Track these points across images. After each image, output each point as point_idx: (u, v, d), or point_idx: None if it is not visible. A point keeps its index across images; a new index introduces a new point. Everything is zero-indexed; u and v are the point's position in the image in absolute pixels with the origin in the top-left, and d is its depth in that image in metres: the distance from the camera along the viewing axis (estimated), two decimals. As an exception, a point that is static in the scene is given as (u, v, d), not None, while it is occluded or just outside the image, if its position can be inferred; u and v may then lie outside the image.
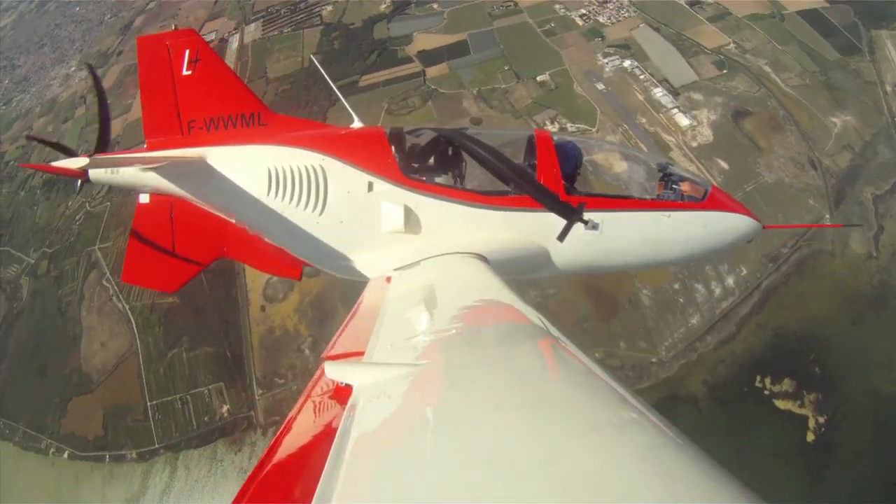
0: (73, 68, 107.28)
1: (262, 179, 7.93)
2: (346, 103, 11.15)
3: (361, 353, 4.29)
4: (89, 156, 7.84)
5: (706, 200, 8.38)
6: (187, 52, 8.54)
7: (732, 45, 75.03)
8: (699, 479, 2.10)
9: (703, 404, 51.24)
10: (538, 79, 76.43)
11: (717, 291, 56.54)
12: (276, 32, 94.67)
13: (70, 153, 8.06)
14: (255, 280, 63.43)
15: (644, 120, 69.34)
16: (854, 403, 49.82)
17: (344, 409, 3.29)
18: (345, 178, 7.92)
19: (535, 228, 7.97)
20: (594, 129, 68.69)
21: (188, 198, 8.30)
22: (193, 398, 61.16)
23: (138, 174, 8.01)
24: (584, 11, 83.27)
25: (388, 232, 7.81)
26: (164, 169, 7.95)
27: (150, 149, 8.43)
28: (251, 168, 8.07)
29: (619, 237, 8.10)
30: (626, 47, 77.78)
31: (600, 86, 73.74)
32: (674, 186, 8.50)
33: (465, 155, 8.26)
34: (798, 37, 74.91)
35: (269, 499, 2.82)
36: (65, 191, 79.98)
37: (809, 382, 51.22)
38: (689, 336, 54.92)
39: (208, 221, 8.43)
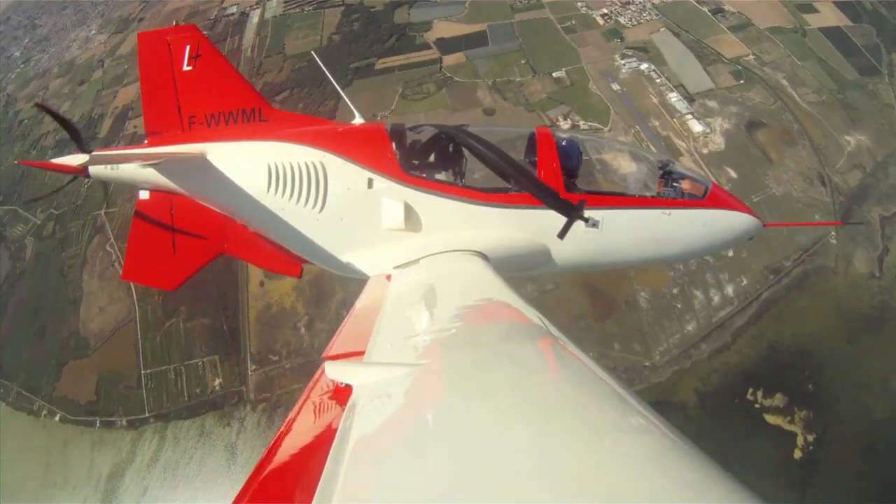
0: (93, 31, 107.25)
1: (263, 176, 8.00)
2: (347, 100, 11.27)
3: (361, 353, 4.32)
4: (89, 152, 7.74)
5: (707, 198, 8.43)
6: (188, 47, 8.66)
7: (752, 56, 74.47)
8: (704, 482, 2.09)
9: (692, 412, 51.08)
10: (554, 75, 76.15)
11: (716, 300, 56.26)
12: (296, 10, 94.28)
13: (73, 130, 7.92)
14: (256, 256, 63.36)
15: (657, 123, 68.96)
16: (844, 424, 49.56)
17: (344, 409, 3.32)
18: (345, 174, 7.99)
19: (535, 226, 8.06)
20: (606, 129, 68.40)
21: (188, 194, 8.36)
22: (187, 369, 61.27)
23: (138, 170, 8.08)
24: (605, 11, 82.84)
25: (389, 229, 7.87)
26: (164, 165, 8.03)
27: (151, 144, 8.56)
28: (251, 164, 8.13)
29: (619, 235, 8.17)
30: (645, 50, 77.41)
31: (616, 86, 73.42)
32: (674, 184, 8.55)
33: (465, 152, 8.31)
34: (818, 53, 74.40)
35: (270, 499, 2.85)
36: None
37: (801, 399, 50.95)
38: (684, 342, 54.64)
39: (208, 218, 8.50)
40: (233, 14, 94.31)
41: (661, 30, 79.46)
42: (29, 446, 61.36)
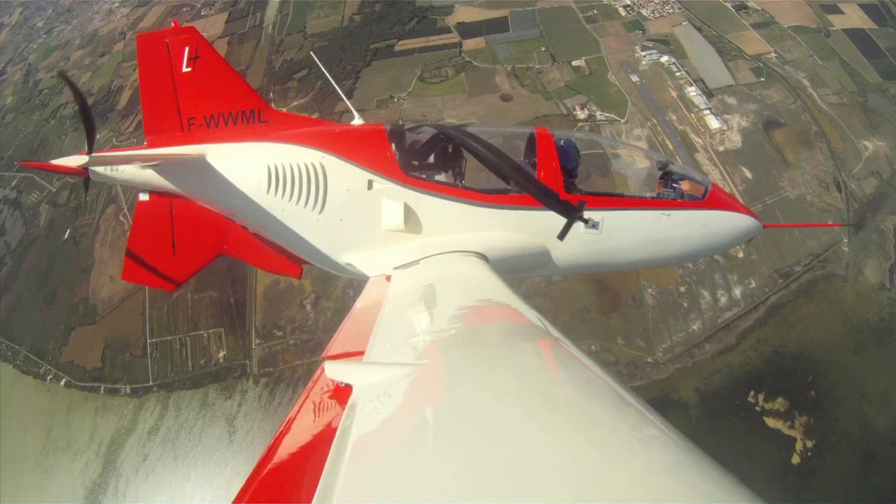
0: (116, 4, 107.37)
1: (262, 177, 8.00)
2: (347, 102, 11.27)
3: (361, 353, 4.30)
4: (89, 153, 7.76)
5: (706, 199, 8.49)
6: (187, 49, 8.66)
7: (773, 54, 73.43)
8: (705, 482, 2.10)
9: (692, 412, 50.97)
10: (573, 63, 75.61)
11: (723, 300, 55.93)
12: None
13: (86, 110, 7.86)
14: (268, 231, 63.89)
15: (674, 117, 68.27)
16: (844, 432, 49.35)
17: (344, 408, 3.33)
18: (345, 175, 7.99)
19: (535, 227, 8.08)
20: (623, 120, 67.97)
21: (188, 195, 8.40)
22: (192, 340, 62.01)
23: (138, 172, 8.12)
24: (628, 2, 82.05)
25: (388, 230, 7.89)
26: (164, 166, 8.09)
27: (151, 146, 8.58)
28: (251, 165, 8.13)
29: (619, 236, 8.20)
30: (666, 43, 76.56)
31: (635, 77, 72.74)
32: (674, 185, 8.61)
33: (465, 153, 8.29)
34: (841, 54, 73.21)
35: (269, 499, 2.83)
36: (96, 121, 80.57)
37: (803, 405, 50.68)
38: (688, 341, 54.43)
39: (208, 219, 8.56)
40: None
41: (684, 23, 78.51)
42: (33, 410, 62.53)
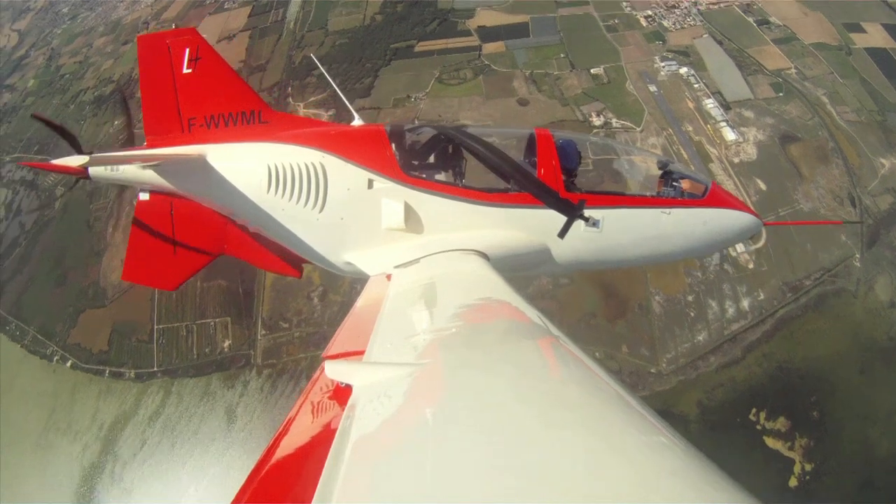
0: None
1: (263, 177, 8.03)
2: (347, 102, 11.30)
3: (361, 352, 4.29)
4: (89, 153, 7.89)
5: (706, 197, 8.49)
6: (187, 50, 8.77)
7: (794, 70, 73.12)
8: (706, 483, 2.09)
9: (692, 426, 50.46)
10: (592, 71, 75.85)
11: (730, 312, 55.64)
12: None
13: (69, 136, 8.06)
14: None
15: (690, 128, 68.25)
16: (844, 456, 48.77)
17: (343, 409, 3.31)
18: (345, 175, 8.02)
19: (535, 225, 8.09)
20: (639, 129, 68.12)
21: (188, 195, 8.44)
22: (199, 328, 62.49)
23: (138, 172, 8.17)
24: (650, 13, 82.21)
25: (388, 229, 7.92)
26: (164, 167, 8.14)
27: (151, 146, 8.62)
28: (251, 165, 8.16)
29: (619, 234, 8.23)
30: (686, 54, 76.62)
31: (653, 87, 72.81)
32: (674, 183, 8.61)
33: (465, 152, 8.32)
34: (862, 73, 72.72)
35: (269, 499, 2.84)
36: (112, 110, 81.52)
37: (804, 426, 50.25)
38: (693, 352, 54.16)
39: (208, 219, 8.62)
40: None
41: (705, 36, 78.46)
42: (37, 389, 63.14)
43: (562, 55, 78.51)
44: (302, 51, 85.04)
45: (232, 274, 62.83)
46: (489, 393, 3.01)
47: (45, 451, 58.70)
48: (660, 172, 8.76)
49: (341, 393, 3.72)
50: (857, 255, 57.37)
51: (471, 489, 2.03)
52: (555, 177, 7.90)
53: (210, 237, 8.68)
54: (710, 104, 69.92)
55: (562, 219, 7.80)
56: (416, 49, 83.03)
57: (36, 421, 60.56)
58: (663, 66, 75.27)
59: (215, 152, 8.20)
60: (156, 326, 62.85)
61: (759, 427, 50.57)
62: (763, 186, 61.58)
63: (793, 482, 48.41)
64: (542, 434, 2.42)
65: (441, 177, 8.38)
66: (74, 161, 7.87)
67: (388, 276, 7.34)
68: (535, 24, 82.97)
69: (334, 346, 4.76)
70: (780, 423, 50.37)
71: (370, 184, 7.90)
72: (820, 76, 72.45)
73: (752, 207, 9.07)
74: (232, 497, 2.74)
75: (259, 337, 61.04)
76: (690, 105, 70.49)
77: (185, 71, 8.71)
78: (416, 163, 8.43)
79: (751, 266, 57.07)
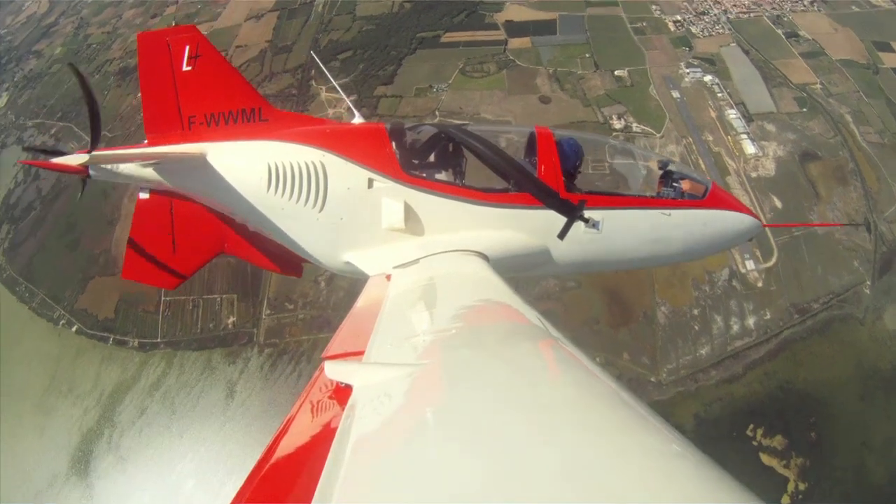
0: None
1: (263, 175, 7.94)
2: (347, 101, 11.24)
3: (361, 353, 4.26)
4: (89, 152, 7.66)
5: (707, 199, 8.50)
6: (187, 48, 8.58)
7: (819, 85, 72.17)
8: (707, 484, 2.09)
9: (687, 436, 48.14)
10: (616, 73, 75.58)
11: (735, 328, 55.27)
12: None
13: (95, 116, 7.87)
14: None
15: (710, 138, 67.70)
16: (839, 480, 48.54)
17: (343, 409, 3.30)
18: (345, 174, 7.93)
19: (535, 226, 8.03)
20: (659, 135, 67.59)
21: (188, 194, 8.37)
22: (205, 303, 63.08)
23: (138, 170, 8.07)
24: (679, 18, 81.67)
25: (388, 229, 7.85)
26: (164, 165, 8.05)
27: (151, 144, 8.49)
28: (251, 164, 8.08)
29: (619, 235, 8.18)
30: (712, 62, 76.01)
31: (676, 94, 72.29)
32: (674, 184, 8.59)
33: (465, 152, 8.25)
34: (888, 93, 71.63)
35: (269, 499, 2.84)
36: (136, 83, 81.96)
37: (801, 445, 49.91)
38: (694, 365, 53.93)
39: (208, 218, 8.55)
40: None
41: (732, 45, 77.77)
42: (41, 352, 64.02)
43: (587, 55, 78.19)
44: (328, 35, 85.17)
45: (242, 251, 63.32)
46: (489, 394, 3.02)
47: (44, 413, 59.55)
48: (660, 173, 8.73)
49: (341, 393, 3.74)
50: (868, 283, 56.68)
51: (470, 489, 2.04)
52: (555, 177, 7.88)
53: (210, 236, 8.64)
54: (732, 115, 69.27)
55: (562, 219, 7.80)
56: (443, 39, 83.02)
57: (38, 382, 61.53)
58: (688, 73, 74.69)
59: (215, 151, 8.15)
60: (163, 298, 63.25)
61: (755, 443, 50.32)
62: (778, 204, 60.87)
63: (785, 500, 48.27)
64: (542, 436, 2.41)
65: (441, 176, 8.30)
66: (74, 160, 7.74)
67: (388, 277, 7.32)
68: (562, 22, 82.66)
69: (334, 346, 4.71)
70: (777, 441, 50.10)
71: (370, 183, 7.85)
72: (845, 94, 71.46)
73: (750, 209, 8.99)
74: (231, 497, 2.76)
75: (264, 316, 61.65)
76: (712, 114, 69.86)
77: (185, 69, 8.55)
78: (416, 162, 8.31)
79: (759, 284, 56.60)
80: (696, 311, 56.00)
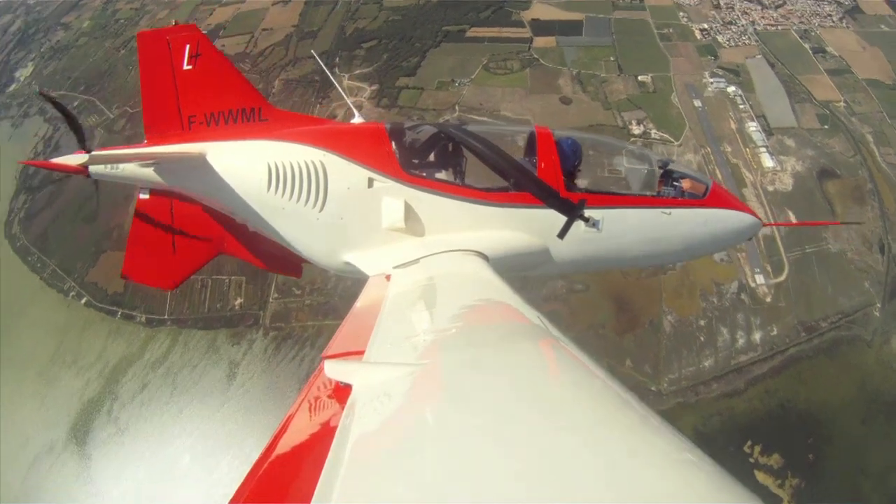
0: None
1: (263, 175, 7.91)
2: (347, 100, 11.20)
3: (361, 352, 4.21)
4: (88, 152, 7.73)
5: (707, 198, 8.47)
6: (188, 46, 8.57)
7: (843, 103, 71.42)
8: (708, 483, 2.08)
9: (685, 446, 49.75)
10: (639, 78, 75.33)
11: (740, 342, 54.85)
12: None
13: (77, 128, 7.99)
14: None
15: (729, 149, 67.24)
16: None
17: (343, 408, 3.30)
18: (345, 173, 7.89)
19: (535, 225, 8.01)
20: (677, 143, 67.21)
21: (188, 194, 8.36)
22: (213, 283, 63.69)
23: (138, 170, 8.06)
24: (705, 26, 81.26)
25: (389, 229, 7.81)
26: (164, 165, 8.05)
27: (151, 144, 8.48)
28: (251, 164, 8.05)
29: (619, 234, 8.18)
30: (736, 73, 75.42)
31: (697, 102, 71.88)
32: (674, 183, 8.56)
33: (465, 151, 8.23)
34: (912, 116, 70.57)
35: (268, 498, 2.84)
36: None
37: (798, 466, 49.37)
38: (697, 377, 53.55)
39: (208, 218, 8.54)
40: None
41: (757, 56, 77.11)
42: (49, 321, 64.95)
43: (611, 58, 78.02)
44: (354, 23, 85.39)
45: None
46: (489, 393, 3.03)
47: (47, 381, 60.50)
48: (660, 172, 8.66)
49: (341, 392, 3.71)
50: (878, 305, 55.93)
51: (470, 489, 2.04)
52: (555, 176, 7.84)
53: (209, 236, 8.60)
54: (752, 127, 68.76)
55: (562, 219, 7.76)
56: (468, 34, 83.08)
57: (43, 351, 62.44)
58: (711, 82, 74.23)
59: (215, 151, 8.10)
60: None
61: (751, 460, 49.89)
62: (794, 219, 60.11)
63: (778, 521, 47.67)
64: (542, 435, 2.42)
65: (441, 175, 8.26)
66: (74, 160, 7.76)
67: (388, 277, 7.27)
68: (588, 24, 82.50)
69: (334, 345, 4.64)
70: (774, 460, 49.63)
71: (370, 182, 7.80)
72: (868, 113, 70.57)
73: (751, 208, 8.96)
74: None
75: (271, 300, 62.18)
76: (733, 126, 69.38)
77: (186, 68, 8.54)
78: (416, 161, 8.31)
79: (768, 299, 56.12)
80: (702, 323, 55.62)
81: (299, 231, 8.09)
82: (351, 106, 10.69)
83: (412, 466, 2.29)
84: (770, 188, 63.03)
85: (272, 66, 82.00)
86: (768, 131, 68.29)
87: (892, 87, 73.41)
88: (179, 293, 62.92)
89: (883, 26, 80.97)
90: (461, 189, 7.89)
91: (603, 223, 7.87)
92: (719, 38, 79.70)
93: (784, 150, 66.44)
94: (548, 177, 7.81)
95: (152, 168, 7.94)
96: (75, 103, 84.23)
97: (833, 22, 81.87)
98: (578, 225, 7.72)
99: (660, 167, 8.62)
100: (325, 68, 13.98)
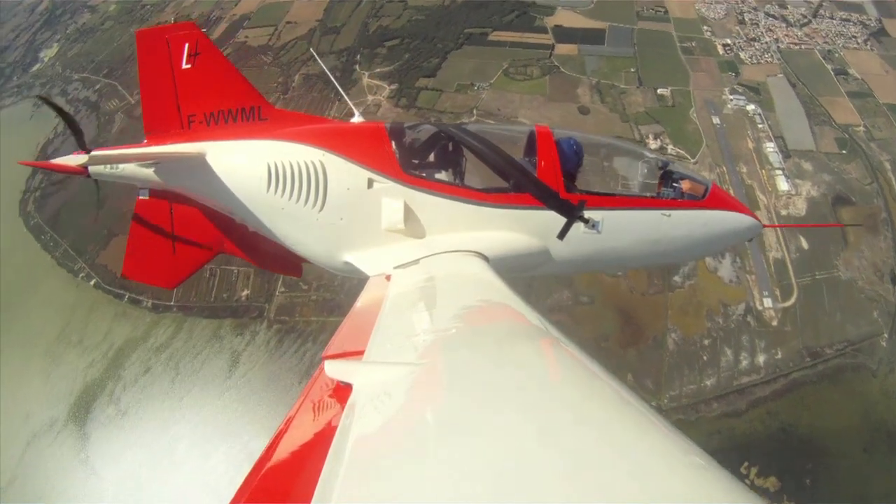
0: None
1: (262, 175, 7.95)
2: (347, 99, 11.25)
3: (361, 352, 4.25)
4: (88, 152, 7.80)
5: (706, 199, 8.45)
6: (187, 45, 8.60)
7: (862, 128, 70.36)
8: (709, 483, 2.10)
9: (679, 463, 49.36)
10: (659, 91, 74.86)
11: (744, 363, 54.33)
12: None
13: (75, 128, 8.05)
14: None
15: (745, 170, 66.56)
16: (828, 532, 47.37)
17: (343, 408, 3.31)
18: (345, 174, 7.92)
19: (535, 226, 8.03)
20: (693, 160, 66.31)
21: (187, 194, 8.42)
22: (222, 273, 63.91)
23: (138, 170, 8.14)
24: (728, 42, 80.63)
25: (388, 229, 7.83)
26: (163, 165, 8.12)
27: (150, 144, 8.54)
28: (251, 163, 8.08)
29: (619, 235, 8.17)
30: (756, 91, 74.67)
31: (716, 119, 71.30)
32: (674, 185, 8.54)
33: (465, 151, 8.26)
34: (932, 145, 69.53)
35: (268, 499, 2.85)
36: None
37: (794, 491, 48.72)
38: (698, 395, 53.18)
39: (208, 217, 8.59)
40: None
41: (779, 75, 76.35)
42: (58, 301, 65.66)
43: (632, 69, 77.72)
44: (378, 20, 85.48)
45: (266, 227, 64.07)
46: (489, 393, 3.03)
47: (52, 360, 61.18)
48: (660, 173, 8.63)
49: (341, 392, 3.72)
50: (886, 335, 55.23)
51: (470, 489, 2.05)
52: (555, 177, 7.87)
53: (209, 236, 8.67)
54: (770, 148, 68.04)
55: (561, 220, 7.82)
56: (490, 38, 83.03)
57: (50, 329, 63.15)
58: (731, 99, 73.64)
59: (215, 150, 8.15)
60: (182, 263, 64.17)
61: (747, 481, 49.14)
62: (805, 245, 59.67)
63: (767, 546, 47.21)
64: (542, 436, 2.42)
65: (441, 176, 8.27)
66: (74, 160, 7.87)
67: (388, 277, 7.27)
68: (611, 33, 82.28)
69: (334, 345, 4.69)
70: (770, 483, 49.08)
71: (370, 183, 7.83)
72: (888, 140, 69.49)
73: (750, 209, 8.94)
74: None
75: (277, 293, 62.40)
76: (750, 145, 68.68)
77: (185, 66, 8.56)
78: (416, 162, 8.33)
79: (775, 323, 55.65)
80: (706, 342, 55.23)
81: (299, 231, 8.11)
82: (351, 105, 10.68)
83: (413, 466, 2.30)
84: (783, 212, 62.32)
85: (293, 59, 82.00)
86: (786, 153, 67.50)
87: (915, 112, 72.39)
88: (188, 281, 63.17)
89: (908, 50, 79.81)
90: (461, 190, 7.92)
91: (602, 224, 7.91)
92: (742, 55, 78.95)
93: (800, 173, 65.68)
94: (547, 177, 7.85)
95: (152, 168, 8.02)
96: (97, 86, 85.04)
97: (857, 44, 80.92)
98: (578, 226, 7.80)
99: (659, 168, 8.62)
100: (324, 68, 14.12)
